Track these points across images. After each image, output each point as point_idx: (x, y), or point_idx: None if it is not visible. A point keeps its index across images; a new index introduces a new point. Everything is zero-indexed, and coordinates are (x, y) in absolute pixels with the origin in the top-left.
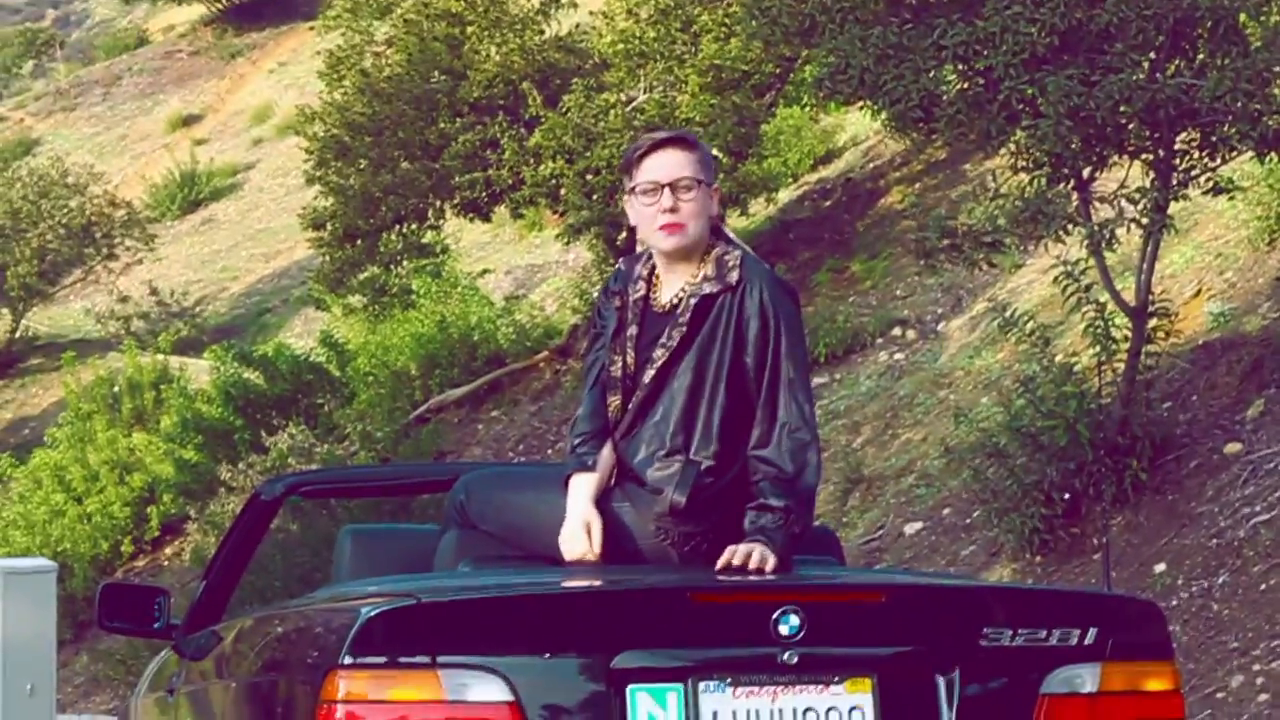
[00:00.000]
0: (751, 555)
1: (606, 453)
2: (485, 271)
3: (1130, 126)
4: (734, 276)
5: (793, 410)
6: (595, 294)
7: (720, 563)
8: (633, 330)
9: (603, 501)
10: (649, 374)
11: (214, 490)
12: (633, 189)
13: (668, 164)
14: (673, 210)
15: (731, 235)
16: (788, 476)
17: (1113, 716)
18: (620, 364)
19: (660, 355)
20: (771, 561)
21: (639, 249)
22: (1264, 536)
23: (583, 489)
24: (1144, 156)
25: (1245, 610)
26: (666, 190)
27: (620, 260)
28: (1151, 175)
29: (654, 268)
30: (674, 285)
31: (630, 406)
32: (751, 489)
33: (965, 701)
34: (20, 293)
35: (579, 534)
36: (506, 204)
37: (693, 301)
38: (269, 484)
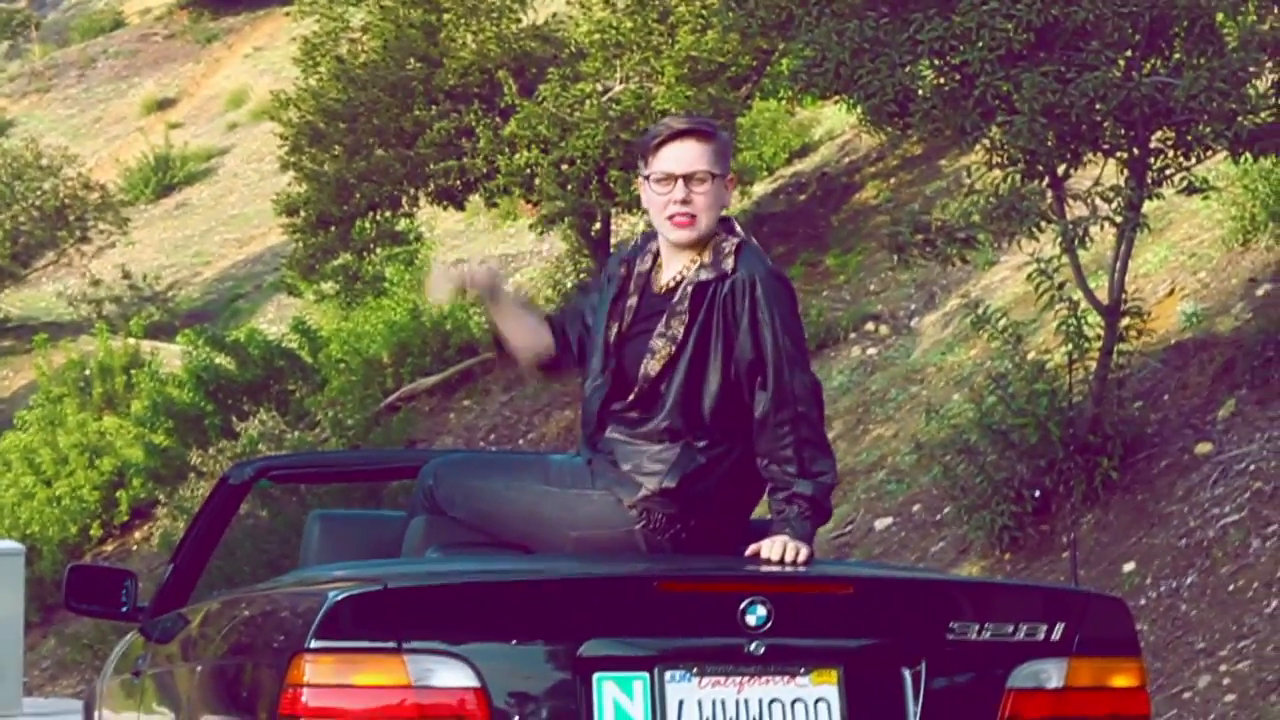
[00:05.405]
0: (785, 548)
1: (545, 330)
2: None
3: (1105, 124)
4: (728, 264)
5: (792, 400)
6: (569, 284)
7: (750, 551)
8: (632, 301)
9: (576, 485)
10: (653, 365)
11: (184, 475)
12: (647, 176)
13: (685, 155)
14: (685, 202)
15: (736, 225)
16: (801, 471)
17: (1078, 712)
18: (616, 329)
19: (661, 346)
20: (804, 553)
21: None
22: (1233, 537)
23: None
24: (1119, 155)
25: (1213, 611)
26: (680, 182)
27: (639, 237)
28: (1126, 173)
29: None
30: (673, 268)
31: (631, 397)
32: (766, 477)
33: (931, 694)
34: None
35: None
36: (481, 193)
37: (689, 289)
38: (238, 467)
